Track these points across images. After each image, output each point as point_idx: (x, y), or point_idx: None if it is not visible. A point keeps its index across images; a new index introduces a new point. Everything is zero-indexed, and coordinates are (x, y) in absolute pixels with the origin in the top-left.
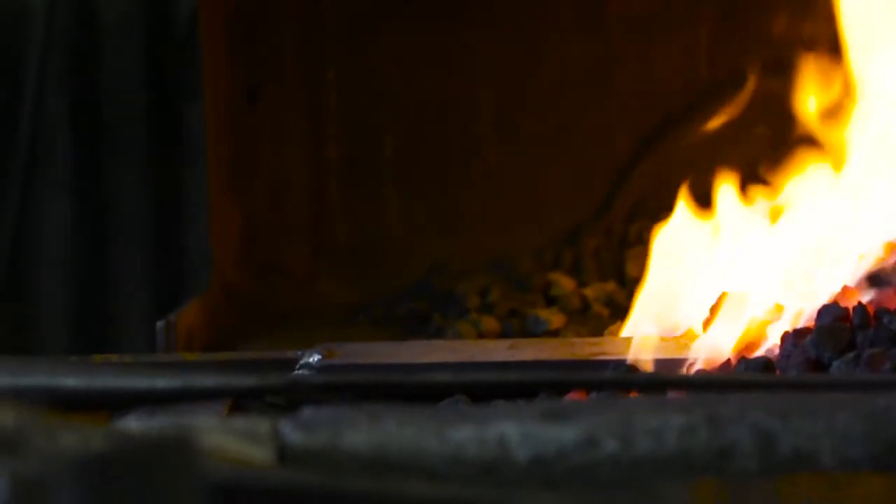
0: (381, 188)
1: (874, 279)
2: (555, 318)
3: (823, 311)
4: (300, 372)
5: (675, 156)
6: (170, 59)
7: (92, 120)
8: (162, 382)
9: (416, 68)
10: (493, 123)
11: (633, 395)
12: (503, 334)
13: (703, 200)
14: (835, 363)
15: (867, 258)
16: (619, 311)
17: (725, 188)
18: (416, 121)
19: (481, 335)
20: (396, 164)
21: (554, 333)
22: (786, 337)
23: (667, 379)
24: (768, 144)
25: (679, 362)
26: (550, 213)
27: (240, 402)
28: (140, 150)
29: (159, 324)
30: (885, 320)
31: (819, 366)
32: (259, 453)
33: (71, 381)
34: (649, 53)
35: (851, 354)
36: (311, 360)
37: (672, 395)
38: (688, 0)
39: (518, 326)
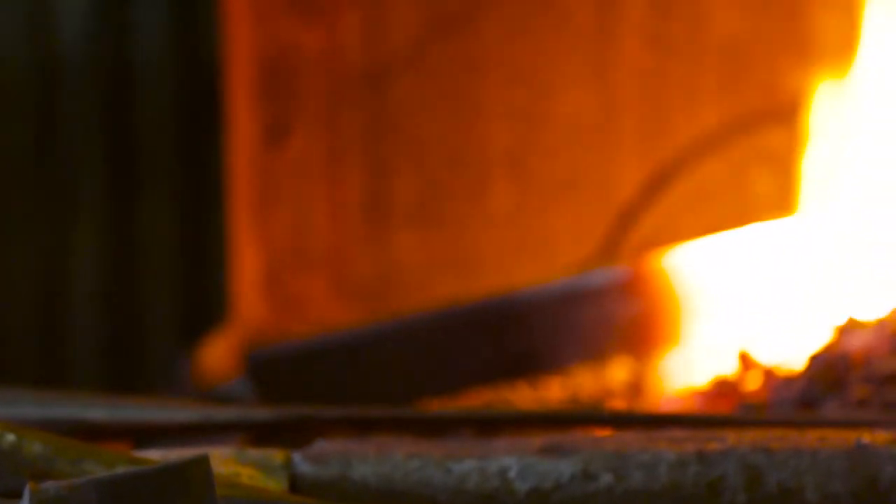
0: (399, 227)
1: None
2: None
3: (812, 357)
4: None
5: (680, 201)
6: (197, 103)
7: (122, 158)
8: (181, 415)
9: (431, 113)
10: (504, 167)
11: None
12: None
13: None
14: (825, 403)
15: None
16: None
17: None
18: (431, 163)
19: None
20: (413, 205)
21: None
22: (778, 378)
23: (663, 416)
24: (771, 192)
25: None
26: (558, 253)
27: (258, 434)
28: (168, 189)
29: (182, 357)
30: (875, 363)
31: (810, 405)
32: (272, 483)
33: (95, 413)
34: (655, 101)
35: (841, 395)
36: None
37: (668, 431)
38: (692, 51)
39: None
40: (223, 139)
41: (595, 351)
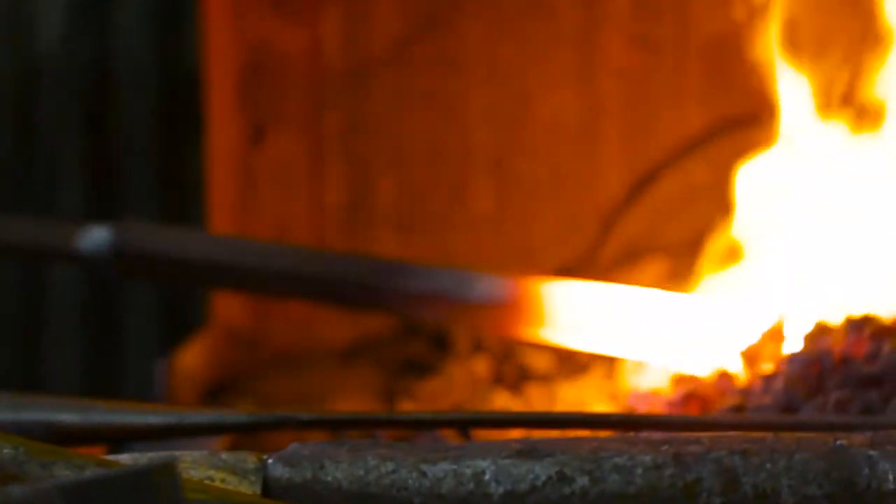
0: (379, 230)
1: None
2: (545, 362)
3: (792, 357)
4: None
5: (664, 203)
6: (177, 105)
7: (102, 161)
8: (155, 419)
9: (413, 114)
10: (486, 168)
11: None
12: (495, 376)
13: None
14: (804, 407)
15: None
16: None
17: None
18: (412, 165)
19: (473, 376)
20: (393, 207)
21: (544, 376)
22: (756, 381)
23: (640, 418)
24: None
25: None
26: (541, 256)
27: (236, 436)
28: (148, 192)
29: (159, 362)
30: (854, 365)
31: (790, 410)
32: (245, 486)
33: (67, 416)
34: (639, 102)
35: (821, 398)
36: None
37: (645, 433)
38: (676, 52)
39: (509, 368)
40: (203, 141)
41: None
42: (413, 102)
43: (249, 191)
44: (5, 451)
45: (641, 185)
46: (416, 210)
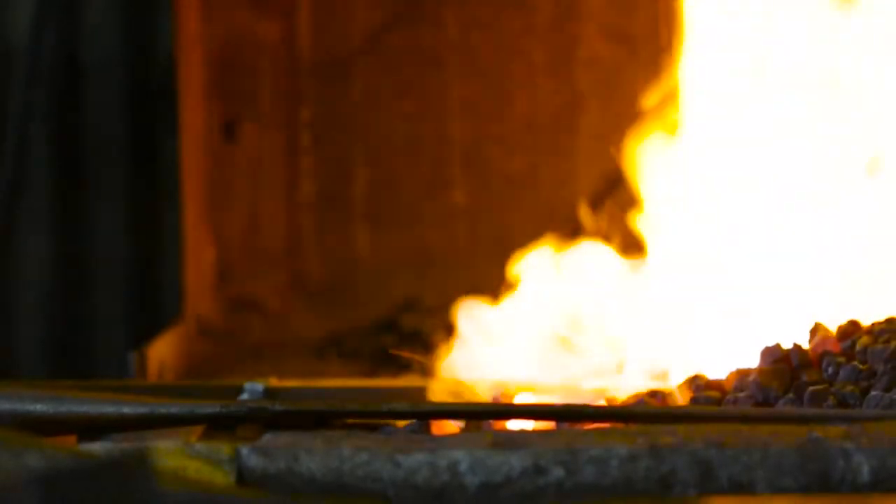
0: (354, 224)
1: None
2: None
3: (765, 354)
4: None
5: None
6: (148, 97)
7: (72, 156)
8: (128, 409)
9: (388, 107)
10: (463, 161)
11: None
12: None
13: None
14: (780, 401)
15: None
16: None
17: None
18: (388, 158)
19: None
20: (369, 201)
21: None
22: (732, 377)
23: (616, 410)
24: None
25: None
26: (516, 250)
27: (209, 428)
28: (118, 185)
29: (131, 355)
30: (825, 361)
31: (765, 404)
32: (219, 476)
33: (39, 406)
34: (613, 96)
35: (792, 393)
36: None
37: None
38: (652, 47)
39: None
40: (176, 136)
41: None
42: (388, 95)
43: (223, 184)
44: None
45: (615, 181)
46: (390, 203)
